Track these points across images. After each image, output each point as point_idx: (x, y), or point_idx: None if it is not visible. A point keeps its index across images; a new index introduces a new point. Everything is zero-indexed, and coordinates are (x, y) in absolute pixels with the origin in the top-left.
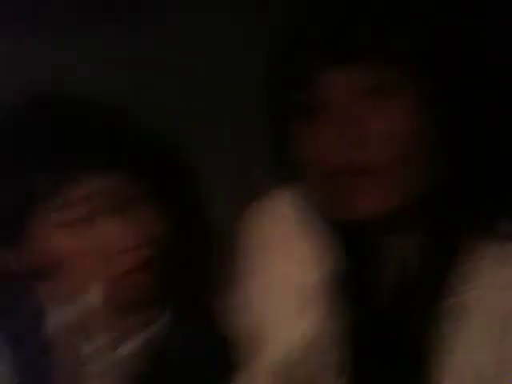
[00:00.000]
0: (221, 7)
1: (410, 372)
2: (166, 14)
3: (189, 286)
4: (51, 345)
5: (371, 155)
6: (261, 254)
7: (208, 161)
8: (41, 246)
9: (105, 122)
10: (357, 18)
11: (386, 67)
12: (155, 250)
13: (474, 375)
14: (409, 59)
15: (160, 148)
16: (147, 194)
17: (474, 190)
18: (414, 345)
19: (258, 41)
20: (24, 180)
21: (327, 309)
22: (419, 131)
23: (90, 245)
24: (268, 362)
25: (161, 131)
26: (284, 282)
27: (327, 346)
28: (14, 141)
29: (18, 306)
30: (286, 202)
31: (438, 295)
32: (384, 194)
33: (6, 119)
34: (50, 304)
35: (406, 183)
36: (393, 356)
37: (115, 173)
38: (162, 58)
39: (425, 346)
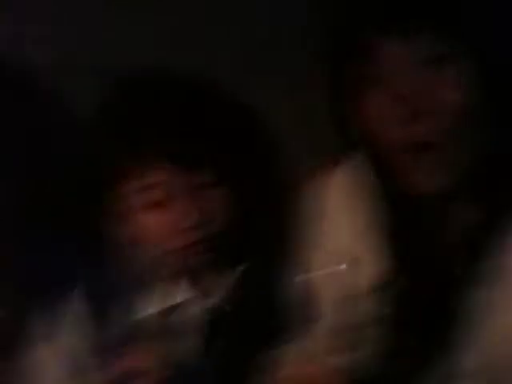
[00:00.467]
0: None
1: (447, 329)
2: None
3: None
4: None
5: (432, 128)
6: (320, 219)
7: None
8: (126, 222)
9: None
10: None
11: (440, 40)
12: (218, 226)
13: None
14: (460, 34)
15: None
16: (215, 181)
17: None
18: (456, 304)
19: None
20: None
21: (380, 266)
22: (474, 104)
23: (163, 223)
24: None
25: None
26: (337, 247)
27: (376, 298)
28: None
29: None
30: (348, 173)
31: (485, 258)
32: (445, 168)
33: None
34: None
35: (462, 157)
36: (435, 312)
37: (187, 161)
38: None
39: (466, 307)
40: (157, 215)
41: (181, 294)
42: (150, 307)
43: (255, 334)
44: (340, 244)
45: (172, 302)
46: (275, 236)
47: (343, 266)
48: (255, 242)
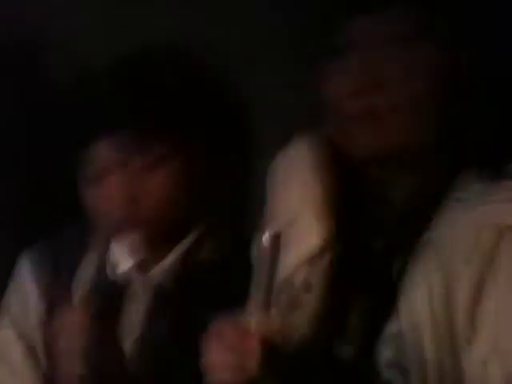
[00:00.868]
0: None
1: (379, 297)
2: None
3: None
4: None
5: (379, 101)
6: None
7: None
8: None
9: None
10: None
11: (402, 19)
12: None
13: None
14: (421, 13)
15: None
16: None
17: (481, 134)
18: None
19: None
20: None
21: (328, 234)
22: (431, 77)
23: (100, 196)
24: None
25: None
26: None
27: (321, 268)
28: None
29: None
30: (305, 148)
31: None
32: (385, 137)
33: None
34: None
35: (416, 124)
36: (369, 280)
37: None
38: None
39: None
40: (95, 188)
41: (121, 266)
42: (94, 274)
43: (204, 302)
44: (288, 209)
45: (117, 271)
46: (233, 207)
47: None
48: (209, 216)
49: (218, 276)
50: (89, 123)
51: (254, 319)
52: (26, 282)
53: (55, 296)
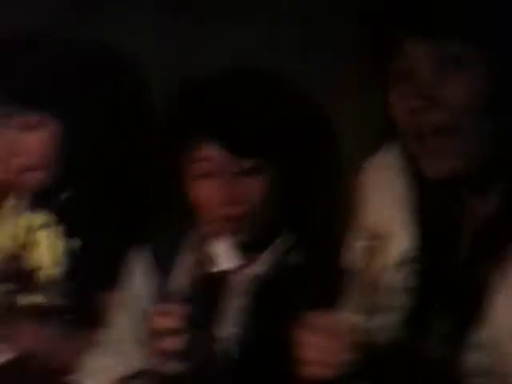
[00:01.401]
0: None
1: (464, 304)
2: None
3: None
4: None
5: (442, 118)
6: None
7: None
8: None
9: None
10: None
11: (459, 44)
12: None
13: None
14: (477, 40)
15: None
16: (259, 167)
17: None
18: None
19: None
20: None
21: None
22: (483, 98)
23: (205, 194)
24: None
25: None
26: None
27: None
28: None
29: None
30: (386, 158)
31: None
32: (455, 155)
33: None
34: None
35: (474, 146)
36: (454, 289)
37: (236, 146)
38: None
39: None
40: (200, 185)
41: (227, 261)
42: (196, 271)
43: (294, 301)
44: (374, 220)
45: (217, 268)
46: (323, 216)
47: (376, 240)
48: (299, 222)
49: (309, 278)
50: (198, 127)
51: (346, 318)
52: (139, 271)
53: (160, 291)
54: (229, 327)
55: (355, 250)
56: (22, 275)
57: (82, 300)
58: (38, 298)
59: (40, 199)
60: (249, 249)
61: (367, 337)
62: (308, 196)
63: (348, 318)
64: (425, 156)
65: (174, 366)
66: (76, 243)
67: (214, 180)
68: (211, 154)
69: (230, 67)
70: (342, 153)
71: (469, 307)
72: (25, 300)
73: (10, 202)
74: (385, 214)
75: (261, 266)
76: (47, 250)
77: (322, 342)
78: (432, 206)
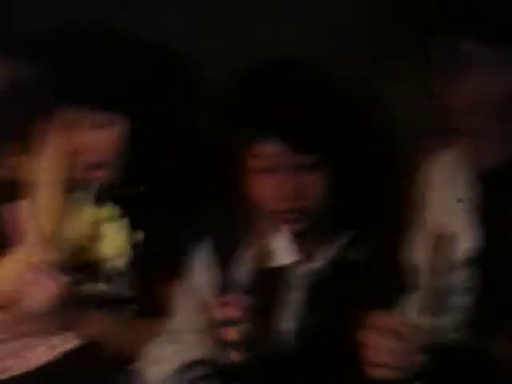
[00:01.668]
0: None
1: None
2: None
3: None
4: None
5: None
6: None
7: None
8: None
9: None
10: None
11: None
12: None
13: None
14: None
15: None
16: (318, 164)
17: None
18: None
19: None
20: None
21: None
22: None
23: (266, 187)
24: None
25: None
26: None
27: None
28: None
29: None
30: (452, 155)
31: None
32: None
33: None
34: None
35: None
36: None
37: (297, 143)
38: None
39: None
40: (263, 180)
41: (287, 255)
42: (256, 264)
43: (351, 299)
44: (438, 220)
45: (276, 262)
46: (383, 214)
47: (441, 240)
48: (359, 218)
49: (368, 275)
50: (261, 122)
51: (411, 319)
52: (205, 262)
53: (221, 282)
54: (287, 321)
55: (418, 249)
56: (88, 266)
57: (146, 290)
58: (103, 288)
59: (106, 193)
60: (308, 244)
61: (432, 338)
62: (368, 192)
63: (413, 319)
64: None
65: (233, 357)
66: (140, 235)
67: (275, 175)
68: (272, 149)
69: (291, 60)
70: (404, 150)
71: None
72: (90, 290)
73: (78, 195)
74: (449, 214)
75: (319, 261)
76: (112, 241)
77: (389, 344)
78: (495, 206)
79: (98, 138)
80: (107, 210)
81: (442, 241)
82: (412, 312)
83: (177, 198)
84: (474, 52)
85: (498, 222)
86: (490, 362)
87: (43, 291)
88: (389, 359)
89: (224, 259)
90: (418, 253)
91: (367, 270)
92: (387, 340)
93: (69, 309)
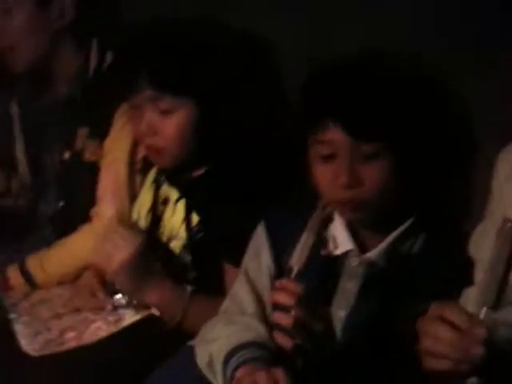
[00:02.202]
0: None
1: None
2: None
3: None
4: None
5: None
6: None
7: None
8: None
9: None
10: None
11: None
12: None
13: None
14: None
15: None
16: (378, 153)
17: None
18: None
19: None
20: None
21: None
22: None
23: (324, 175)
24: None
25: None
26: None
27: None
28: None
29: None
30: None
31: None
32: None
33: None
34: None
35: None
36: None
37: (357, 132)
38: None
39: None
40: (322, 167)
41: (341, 245)
42: (313, 250)
43: (409, 291)
44: (508, 213)
45: (333, 250)
46: (447, 207)
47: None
48: (421, 210)
49: (427, 269)
50: (324, 109)
51: (476, 312)
52: (263, 247)
53: (278, 266)
54: (339, 309)
55: (483, 241)
56: (156, 244)
57: (207, 271)
58: (169, 265)
59: (174, 175)
60: (365, 234)
61: (494, 332)
62: (431, 185)
63: (475, 312)
64: None
65: (284, 342)
66: (206, 217)
67: (336, 163)
68: (335, 136)
69: (362, 50)
70: (473, 141)
71: None
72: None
73: (150, 176)
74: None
75: (377, 252)
76: (180, 221)
77: (450, 335)
78: None
79: (167, 122)
80: (175, 191)
81: (507, 230)
82: (474, 305)
83: (242, 182)
84: None
85: None
86: None
87: (121, 253)
88: (448, 350)
89: (281, 245)
90: (484, 245)
91: (426, 264)
92: (448, 331)
93: (141, 273)
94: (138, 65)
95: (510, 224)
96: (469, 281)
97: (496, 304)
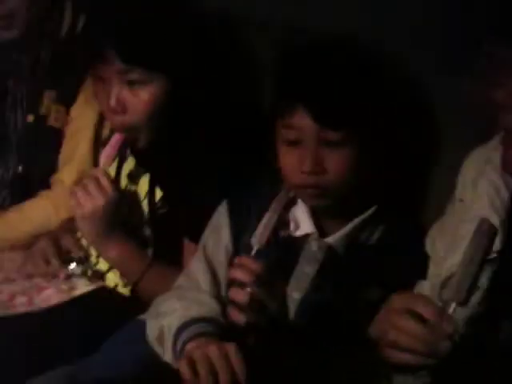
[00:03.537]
0: None
1: None
2: None
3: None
4: None
5: None
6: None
7: None
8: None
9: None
10: None
11: None
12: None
13: None
14: None
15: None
16: (344, 141)
17: None
18: None
19: None
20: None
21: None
22: None
23: (289, 159)
24: None
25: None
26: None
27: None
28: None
29: None
30: (485, 151)
31: None
32: None
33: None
34: None
35: None
36: None
37: (324, 119)
38: None
39: None
40: (288, 152)
41: (302, 227)
42: (274, 232)
43: (365, 279)
44: (479, 209)
45: (293, 232)
46: (406, 199)
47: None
48: (381, 199)
49: (383, 259)
50: (292, 94)
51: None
52: (223, 225)
53: (239, 244)
54: (295, 291)
55: (442, 239)
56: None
57: (166, 246)
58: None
59: (140, 151)
60: (326, 219)
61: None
62: (393, 175)
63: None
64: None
65: (238, 318)
66: (169, 192)
67: (301, 148)
68: (302, 122)
69: (332, 35)
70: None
71: None
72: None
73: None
74: (483, 203)
75: (337, 238)
76: (143, 196)
77: (423, 330)
78: None
79: (135, 96)
80: (140, 168)
81: (484, 230)
82: (439, 299)
83: (208, 159)
84: None
85: None
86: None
87: (94, 200)
88: (416, 344)
89: (242, 225)
90: (441, 242)
91: (384, 251)
92: (417, 325)
93: (108, 225)
94: (106, 34)
95: (486, 225)
96: (422, 275)
97: (465, 302)
